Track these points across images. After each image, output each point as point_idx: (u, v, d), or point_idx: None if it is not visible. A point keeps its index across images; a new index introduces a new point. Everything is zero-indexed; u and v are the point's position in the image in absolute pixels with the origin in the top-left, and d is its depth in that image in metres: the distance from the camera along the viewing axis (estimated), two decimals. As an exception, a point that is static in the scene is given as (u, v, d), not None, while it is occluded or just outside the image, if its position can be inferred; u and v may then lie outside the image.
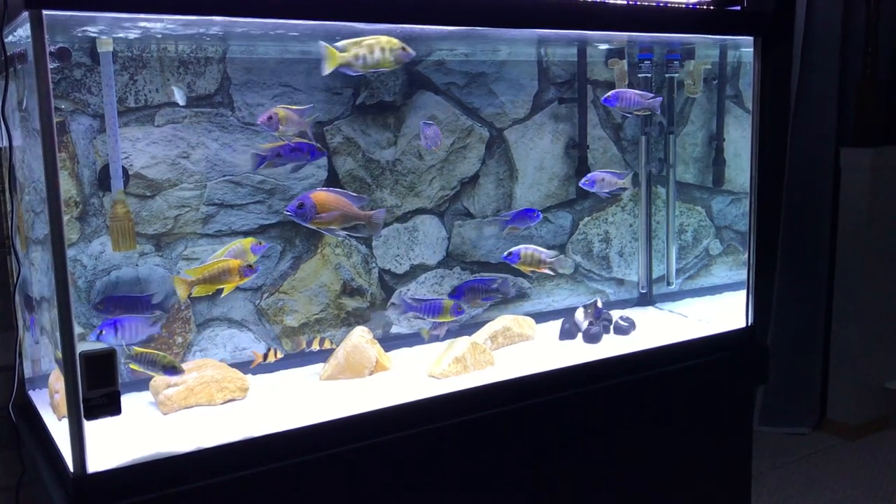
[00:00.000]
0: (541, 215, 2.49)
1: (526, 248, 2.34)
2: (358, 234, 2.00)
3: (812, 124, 3.93)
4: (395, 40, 1.86)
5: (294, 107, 1.97)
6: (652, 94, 2.43)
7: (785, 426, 4.09)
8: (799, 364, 4.07)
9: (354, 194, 2.00)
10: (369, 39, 1.86)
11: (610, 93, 2.40)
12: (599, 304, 2.50)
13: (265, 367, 2.16)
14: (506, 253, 2.35)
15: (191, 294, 1.89)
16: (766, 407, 4.08)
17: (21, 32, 1.72)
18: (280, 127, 1.93)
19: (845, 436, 4.01)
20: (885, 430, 4.10)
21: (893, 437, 4.03)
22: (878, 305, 4.02)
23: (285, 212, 1.95)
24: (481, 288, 2.33)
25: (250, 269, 1.93)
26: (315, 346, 2.24)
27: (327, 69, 1.85)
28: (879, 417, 4.11)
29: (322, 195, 1.92)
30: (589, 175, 2.45)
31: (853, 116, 3.98)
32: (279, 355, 2.17)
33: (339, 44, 1.86)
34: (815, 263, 4.03)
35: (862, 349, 4.00)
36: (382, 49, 1.85)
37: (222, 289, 1.91)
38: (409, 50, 1.90)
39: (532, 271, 2.40)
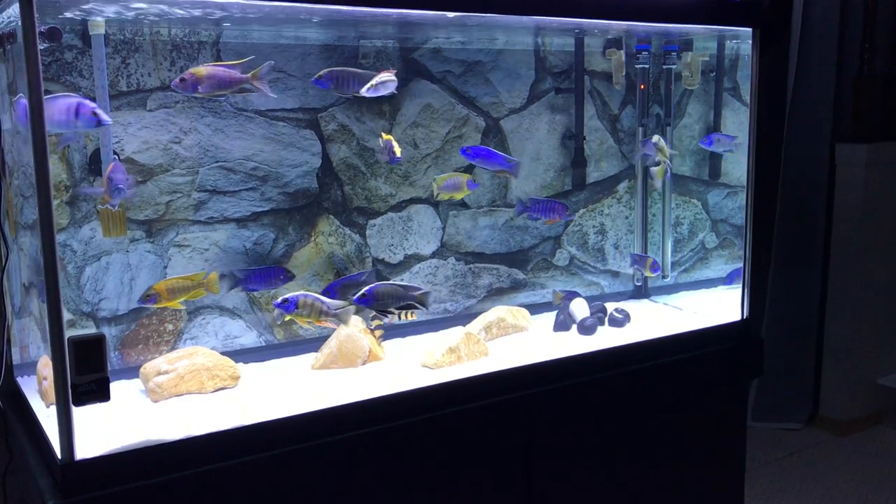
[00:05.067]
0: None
1: (305, 297, 1.97)
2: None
3: (808, 119, 3.92)
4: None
5: (226, 62, 1.85)
6: (389, 70, 2.05)
7: (777, 421, 4.09)
8: (792, 359, 4.07)
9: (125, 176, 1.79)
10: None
11: (322, 72, 1.99)
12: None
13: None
14: (280, 299, 1.97)
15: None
16: (759, 402, 4.09)
17: (10, 12, 1.69)
18: (200, 87, 1.78)
19: (837, 431, 4.02)
20: (876, 426, 4.11)
21: (885, 434, 4.04)
22: (872, 301, 4.02)
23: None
24: (352, 284, 2.17)
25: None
26: (404, 318, 2.19)
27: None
28: (871, 413, 4.12)
29: None
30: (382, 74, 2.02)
31: (849, 112, 3.97)
32: (413, 316, 2.16)
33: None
34: (809, 259, 4.03)
35: (855, 345, 4.00)
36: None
37: None
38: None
39: (310, 323, 2.02)
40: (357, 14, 1.95)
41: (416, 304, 2.05)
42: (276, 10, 1.86)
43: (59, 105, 1.64)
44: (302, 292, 1.99)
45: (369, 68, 2.27)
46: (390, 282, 2.05)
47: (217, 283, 2.03)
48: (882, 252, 4.03)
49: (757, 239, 2.46)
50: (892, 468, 3.66)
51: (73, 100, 1.66)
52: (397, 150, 2.13)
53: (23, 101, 1.65)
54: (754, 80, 2.40)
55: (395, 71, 2.05)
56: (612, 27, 2.46)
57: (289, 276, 2.17)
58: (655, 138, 2.54)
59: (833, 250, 4.01)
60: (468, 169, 2.45)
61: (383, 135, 2.18)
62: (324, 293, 2.13)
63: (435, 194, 2.32)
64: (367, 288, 2.00)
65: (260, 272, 2.14)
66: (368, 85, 2.00)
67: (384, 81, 2.02)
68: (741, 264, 2.46)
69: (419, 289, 2.06)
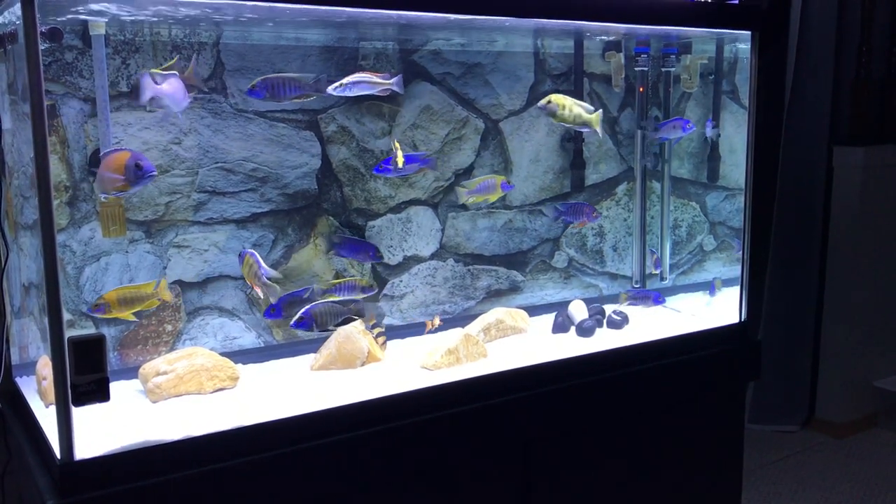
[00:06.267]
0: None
1: (251, 254, 1.96)
2: None
3: (806, 122, 3.93)
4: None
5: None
6: (314, 76, 1.96)
7: (774, 424, 4.10)
8: (789, 362, 4.08)
9: None
10: (566, 100, 2.25)
11: (256, 81, 1.92)
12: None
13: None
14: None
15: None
16: (756, 404, 4.09)
17: (11, 12, 1.69)
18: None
19: (834, 434, 4.03)
20: (873, 429, 4.12)
21: (881, 436, 4.05)
22: (869, 304, 4.03)
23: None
24: (295, 300, 2.13)
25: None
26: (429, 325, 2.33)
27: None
28: (868, 416, 4.13)
29: None
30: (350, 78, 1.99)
31: (846, 115, 3.98)
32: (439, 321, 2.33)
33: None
34: (807, 261, 4.04)
35: (852, 347, 4.01)
36: (574, 114, 2.28)
37: None
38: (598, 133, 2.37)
39: (246, 285, 2.09)
40: (357, 15, 1.95)
41: (354, 317, 2.03)
42: (278, 11, 1.86)
43: (181, 86, 1.81)
44: (251, 250, 1.99)
45: (368, 69, 2.28)
46: (325, 301, 2.01)
47: (168, 291, 1.93)
48: (879, 254, 4.04)
49: (755, 241, 2.46)
50: (889, 470, 3.67)
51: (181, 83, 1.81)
52: (399, 160, 2.13)
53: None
54: (753, 83, 2.41)
55: (382, 73, 2.05)
56: (611, 29, 2.47)
57: (378, 255, 2.26)
58: (544, 101, 2.25)
59: (830, 253, 4.02)
60: (466, 172, 2.46)
61: (395, 143, 2.21)
62: (268, 310, 2.11)
63: (463, 200, 2.34)
64: (302, 311, 1.94)
65: (354, 243, 2.23)
66: (338, 84, 1.97)
67: (357, 82, 2.00)
68: (727, 270, 2.45)
69: (356, 301, 2.04)
